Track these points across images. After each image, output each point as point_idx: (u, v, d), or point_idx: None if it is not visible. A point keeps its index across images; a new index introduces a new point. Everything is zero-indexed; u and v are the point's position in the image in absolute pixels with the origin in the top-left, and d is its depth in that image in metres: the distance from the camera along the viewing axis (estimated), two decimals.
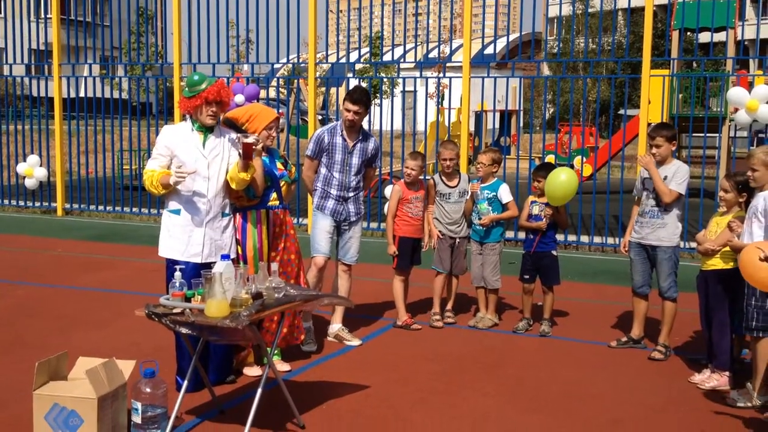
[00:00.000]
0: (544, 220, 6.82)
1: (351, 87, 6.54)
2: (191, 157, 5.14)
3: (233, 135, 5.32)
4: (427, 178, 7.41)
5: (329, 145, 6.40)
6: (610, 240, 11.40)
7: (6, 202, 14.86)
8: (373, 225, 12.32)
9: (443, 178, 7.13)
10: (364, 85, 24.78)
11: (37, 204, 14.69)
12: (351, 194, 6.47)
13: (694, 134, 14.17)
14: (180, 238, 5.19)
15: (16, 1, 14.70)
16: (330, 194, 6.43)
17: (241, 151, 5.12)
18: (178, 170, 5.01)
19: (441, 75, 12.90)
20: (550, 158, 17.81)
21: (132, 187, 14.88)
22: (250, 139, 5.11)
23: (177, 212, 5.20)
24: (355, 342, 6.49)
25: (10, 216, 14.15)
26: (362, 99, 6.33)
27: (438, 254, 7.16)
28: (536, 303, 7.16)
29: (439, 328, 7.00)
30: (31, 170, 14.15)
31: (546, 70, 30.09)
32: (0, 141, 15.10)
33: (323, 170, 6.45)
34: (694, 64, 20.78)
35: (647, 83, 11.10)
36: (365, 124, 7.03)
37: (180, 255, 5.17)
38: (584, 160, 17.04)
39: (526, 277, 6.99)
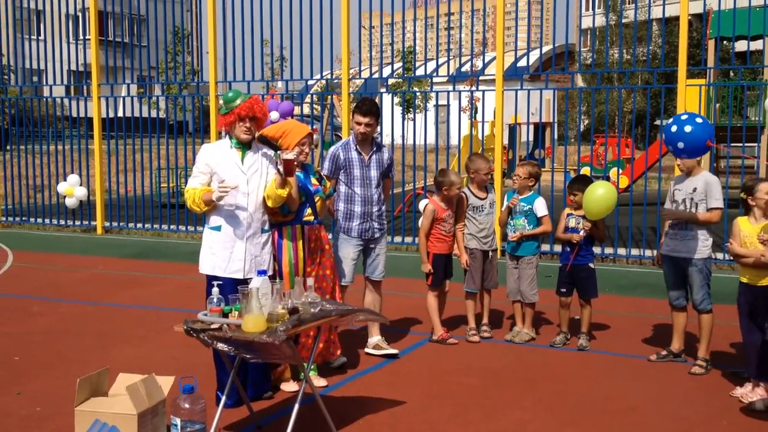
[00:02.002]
0: (582, 233, 6.76)
1: (360, 100, 6.49)
2: (231, 174, 5.20)
3: (267, 151, 5.38)
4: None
5: (345, 161, 6.36)
6: (648, 252, 11.27)
7: (47, 221, 15.13)
8: (408, 239, 12.33)
9: (473, 191, 7.11)
10: (397, 99, 24.90)
11: (78, 223, 14.93)
12: (375, 209, 6.42)
13: (732, 144, 13.98)
14: (221, 254, 5.25)
15: (56, 24, 15.02)
16: (354, 213, 6.36)
17: (281, 168, 5.16)
18: (221, 185, 5.07)
19: (474, 88, 12.90)
20: (585, 170, 17.71)
21: (170, 205, 15.07)
22: (290, 156, 5.16)
23: (218, 228, 5.26)
24: (394, 350, 6.50)
25: (51, 235, 14.41)
26: (372, 110, 6.28)
27: (470, 274, 7.10)
28: (574, 317, 7.10)
29: (475, 342, 6.97)
30: (72, 190, 14.40)
31: (580, 82, 29.96)
32: (41, 161, 15.40)
33: (343, 188, 6.39)
34: (732, 73, 20.53)
35: (683, 93, 10.99)
36: (386, 137, 7.02)
37: (221, 271, 5.22)
38: (620, 171, 16.89)
39: (563, 290, 6.94)
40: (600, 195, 6.46)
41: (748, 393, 5.45)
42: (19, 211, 15.62)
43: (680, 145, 5.91)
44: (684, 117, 6.00)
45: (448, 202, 6.92)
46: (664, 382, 5.93)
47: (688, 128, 5.86)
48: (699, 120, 5.93)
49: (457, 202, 6.98)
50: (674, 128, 5.94)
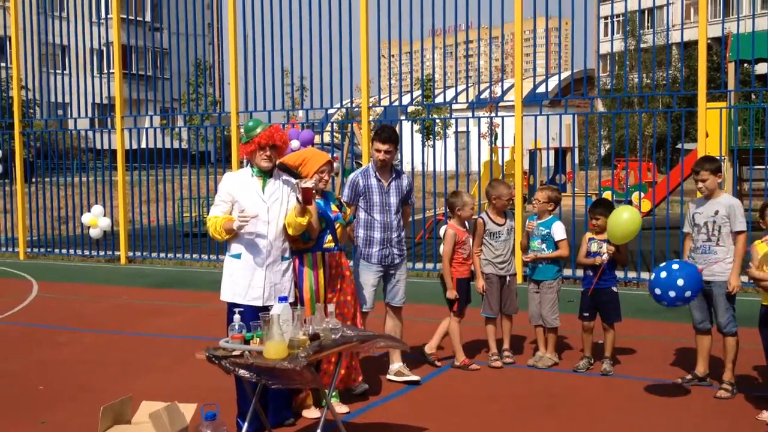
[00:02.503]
0: (605, 256, 6.72)
1: (379, 128, 6.54)
2: (251, 202, 5.25)
3: (288, 179, 5.43)
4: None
5: (365, 187, 6.41)
6: None
7: (71, 251, 15.29)
8: (429, 266, 12.32)
9: (491, 216, 7.11)
10: (416, 126, 25.03)
11: (101, 253, 15.07)
12: (394, 235, 6.44)
13: (755, 167, 13.88)
14: (241, 281, 5.29)
15: (80, 58, 15.29)
16: (374, 239, 6.39)
17: (300, 196, 5.20)
18: (241, 215, 5.12)
19: (493, 114, 12.95)
20: (607, 195, 17.63)
21: (192, 234, 15.18)
22: (309, 184, 5.21)
23: (238, 256, 5.31)
24: (416, 377, 6.48)
25: (75, 265, 14.55)
26: (391, 138, 6.33)
27: (487, 299, 7.09)
28: (597, 341, 7.04)
29: (498, 368, 6.93)
30: (96, 220, 14.56)
31: (600, 107, 29.93)
32: (65, 193, 15.60)
33: (362, 215, 6.42)
34: (753, 96, 20.44)
35: (704, 116, 10.96)
36: (406, 164, 7.06)
37: (241, 298, 5.26)
38: (642, 195, 16.81)
39: (586, 314, 6.89)
40: (625, 219, 6.43)
41: None
42: (44, 242, 15.80)
43: (680, 282, 5.75)
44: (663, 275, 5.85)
45: (465, 225, 6.94)
46: (689, 406, 5.87)
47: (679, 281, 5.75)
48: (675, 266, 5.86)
49: (474, 227, 6.99)
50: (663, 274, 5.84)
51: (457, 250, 6.88)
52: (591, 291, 6.79)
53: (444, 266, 6.98)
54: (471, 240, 6.95)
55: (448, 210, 7.06)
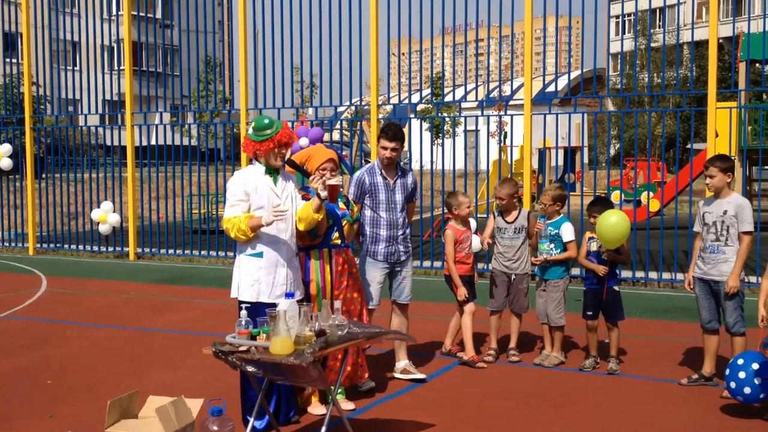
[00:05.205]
0: (604, 256, 6.71)
1: (385, 125, 6.54)
2: (267, 199, 5.23)
3: (287, 173, 5.45)
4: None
5: (371, 185, 6.41)
6: (680, 276, 11.14)
7: (81, 247, 15.36)
8: (437, 264, 12.32)
9: (501, 213, 7.18)
10: (426, 125, 25.04)
11: (111, 249, 15.14)
12: (400, 232, 6.46)
13: (765, 167, 13.82)
14: (265, 279, 5.21)
15: (91, 55, 15.35)
16: (380, 236, 6.40)
17: (323, 193, 5.19)
18: (276, 209, 5.04)
19: (503, 113, 12.94)
20: (615, 194, 17.59)
21: (201, 231, 15.22)
22: (335, 182, 5.25)
23: (260, 255, 5.21)
24: (422, 375, 6.50)
25: (85, 261, 14.62)
26: (398, 135, 6.34)
27: (491, 292, 7.17)
28: (603, 340, 7.04)
29: (488, 362, 6.98)
30: (105, 216, 14.63)
31: (610, 106, 29.87)
32: (75, 189, 15.67)
33: (368, 212, 6.43)
34: (764, 96, 20.35)
35: (713, 116, 10.93)
36: (415, 163, 7.06)
37: (266, 297, 5.18)
38: (651, 195, 16.77)
39: (589, 313, 6.89)
40: (612, 223, 6.41)
41: None
42: (54, 237, 15.88)
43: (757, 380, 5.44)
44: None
45: (464, 224, 6.99)
46: (695, 405, 5.86)
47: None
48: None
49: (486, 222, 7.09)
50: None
51: (456, 248, 6.94)
52: (605, 298, 6.75)
53: (450, 267, 7.03)
54: (470, 240, 7.01)
55: (446, 210, 7.11)
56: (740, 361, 5.52)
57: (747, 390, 5.42)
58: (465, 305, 6.98)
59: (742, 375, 5.44)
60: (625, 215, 6.59)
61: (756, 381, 5.38)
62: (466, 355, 6.98)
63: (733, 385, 5.50)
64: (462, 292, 6.90)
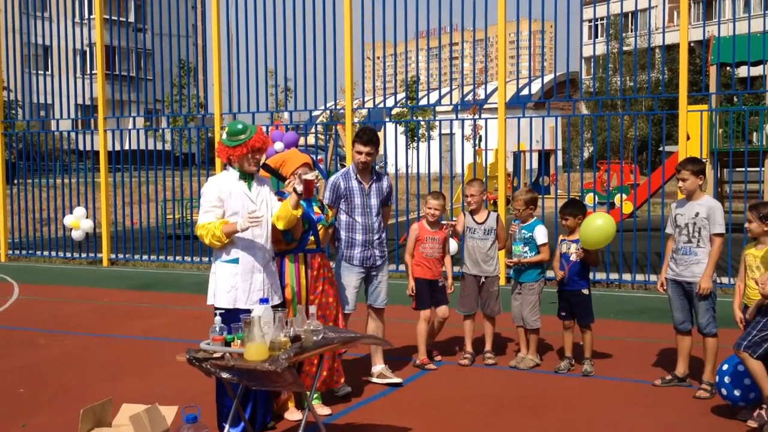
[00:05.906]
0: (573, 257, 6.78)
1: (360, 130, 6.56)
2: (242, 204, 5.21)
3: (262, 178, 5.44)
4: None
5: (346, 190, 6.41)
6: (653, 277, 11.25)
7: (54, 254, 15.20)
8: None
9: (471, 213, 7.22)
10: (401, 129, 25.09)
11: (84, 255, 14.99)
12: (375, 237, 6.46)
13: (735, 169, 14.01)
14: (241, 286, 5.18)
15: (63, 59, 15.21)
16: (356, 241, 6.40)
17: (299, 187, 5.19)
18: (252, 215, 5.02)
19: (477, 117, 13.00)
20: (589, 197, 17.73)
21: (175, 236, 15.11)
22: (310, 176, 5.25)
23: (235, 261, 5.19)
24: (398, 380, 6.51)
25: (57, 267, 14.46)
26: (372, 140, 6.35)
27: (461, 295, 7.22)
28: (578, 342, 7.09)
29: (464, 365, 7.04)
30: (78, 222, 14.47)
31: (583, 109, 30.08)
32: (47, 195, 15.50)
33: (344, 217, 6.43)
34: (735, 99, 20.62)
35: (684, 119, 11.05)
36: (390, 166, 7.07)
37: (243, 303, 5.14)
38: (624, 197, 16.92)
39: (563, 314, 6.97)
40: (598, 225, 6.47)
41: (754, 417, 5.42)
42: (26, 244, 15.70)
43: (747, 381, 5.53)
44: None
45: (433, 225, 7.03)
46: (669, 406, 5.91)
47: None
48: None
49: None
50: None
51: (417, 247, 7.01)
52: (564, 276, 6.82)
53: (406, 260, 7.19)
54: (437, 244, 7.05)
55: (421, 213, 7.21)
56: (725, 367, 5.62)
57: (737, 392, 5.53)
58: (414, 305, 7.07)
59: (727, 380, 5.54)
60: (611, 218, 6.66)
61: (746, 382, 5.47)
62: (417, 359, 7.09)
63: (724, 392, 5.60)
64: (410, 285, 7.00)
